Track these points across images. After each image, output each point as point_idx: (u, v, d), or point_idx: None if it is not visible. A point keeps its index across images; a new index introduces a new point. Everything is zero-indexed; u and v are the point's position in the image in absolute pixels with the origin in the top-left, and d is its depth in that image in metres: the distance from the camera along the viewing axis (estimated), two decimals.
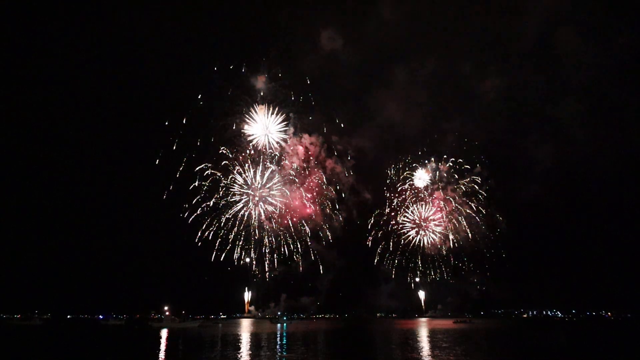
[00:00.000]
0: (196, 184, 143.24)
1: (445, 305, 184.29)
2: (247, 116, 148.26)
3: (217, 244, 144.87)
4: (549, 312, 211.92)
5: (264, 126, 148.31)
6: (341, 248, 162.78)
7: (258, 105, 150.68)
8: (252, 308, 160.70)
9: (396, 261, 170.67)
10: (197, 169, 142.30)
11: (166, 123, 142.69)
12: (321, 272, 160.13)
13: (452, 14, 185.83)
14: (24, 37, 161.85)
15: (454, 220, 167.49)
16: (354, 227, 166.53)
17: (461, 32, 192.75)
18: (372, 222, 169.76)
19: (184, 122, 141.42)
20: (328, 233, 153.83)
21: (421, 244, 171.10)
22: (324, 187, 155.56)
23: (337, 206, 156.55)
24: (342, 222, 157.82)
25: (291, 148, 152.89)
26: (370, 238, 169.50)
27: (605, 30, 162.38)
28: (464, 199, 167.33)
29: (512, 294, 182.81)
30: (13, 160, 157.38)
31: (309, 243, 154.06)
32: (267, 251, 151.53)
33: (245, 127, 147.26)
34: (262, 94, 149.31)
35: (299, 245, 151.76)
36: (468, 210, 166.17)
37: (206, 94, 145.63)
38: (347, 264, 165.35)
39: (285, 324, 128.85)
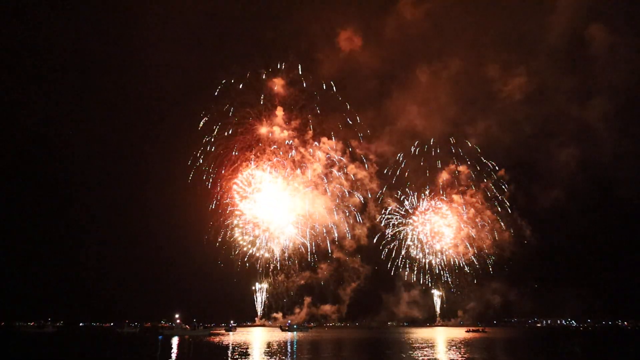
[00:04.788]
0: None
1: (465, 313, 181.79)
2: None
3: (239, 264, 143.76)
4: (563, 322, 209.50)
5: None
6: (364, 256, 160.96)
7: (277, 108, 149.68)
8: (279, 315, 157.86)
9: (415, 269, 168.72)
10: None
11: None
12: (342, 281, 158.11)
13: (476, 12, 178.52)
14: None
15: (474, 227, 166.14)
16: (377, 234, 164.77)
17: (486, 31, 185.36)
18: (393, 229, 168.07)
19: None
20: (351, 240, 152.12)
21: (441, 251, 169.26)
22: (347, 194, 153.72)
23: (358, 217, 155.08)
24: (365, 230, 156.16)
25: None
26: (390, 246, 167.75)
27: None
28: (486, 204, 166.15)
29: (531, 303, 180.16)
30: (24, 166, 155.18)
31: (331, 251, 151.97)
32: (291, 259, 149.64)
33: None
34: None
35: (319, 256, 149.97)
36: (489, 216, 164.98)
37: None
38: (369, 271, 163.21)
39: (295, 333, 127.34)
